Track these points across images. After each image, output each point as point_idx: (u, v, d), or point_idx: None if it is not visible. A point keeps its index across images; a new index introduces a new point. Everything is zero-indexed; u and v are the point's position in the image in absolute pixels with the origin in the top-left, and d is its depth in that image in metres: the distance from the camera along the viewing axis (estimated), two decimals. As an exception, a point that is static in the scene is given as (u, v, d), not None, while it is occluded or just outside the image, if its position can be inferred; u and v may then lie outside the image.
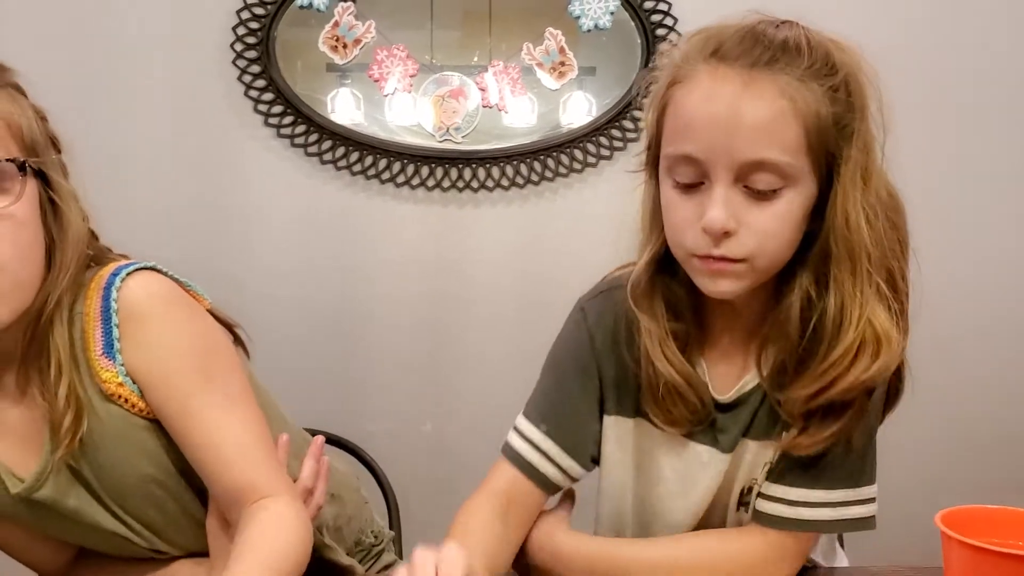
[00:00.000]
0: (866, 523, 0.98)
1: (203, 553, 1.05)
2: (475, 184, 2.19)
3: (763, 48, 0.86)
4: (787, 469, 0.98)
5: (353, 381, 2.22)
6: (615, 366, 1.02)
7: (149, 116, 2.14)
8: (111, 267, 0.96)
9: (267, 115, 2.15)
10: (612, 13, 2.13)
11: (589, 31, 2.14)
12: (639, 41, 2.16)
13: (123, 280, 0.94)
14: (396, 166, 2.18)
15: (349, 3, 2.11)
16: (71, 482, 0.97)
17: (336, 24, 2.11)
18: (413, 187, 2.19)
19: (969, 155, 2.20)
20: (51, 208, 0.93)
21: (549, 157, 2.19)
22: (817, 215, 0.90)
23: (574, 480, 1.06)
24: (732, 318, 0.99)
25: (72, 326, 0.94)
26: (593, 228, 2.17)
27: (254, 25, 2.12)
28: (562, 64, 2.15)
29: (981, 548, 0.79)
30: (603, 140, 2.18)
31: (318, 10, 2.11)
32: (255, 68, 2.13)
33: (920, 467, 2.13)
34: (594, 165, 2.19)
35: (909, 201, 0.96)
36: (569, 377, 1.05)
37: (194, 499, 1.03)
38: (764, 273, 0.91)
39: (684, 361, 0.97)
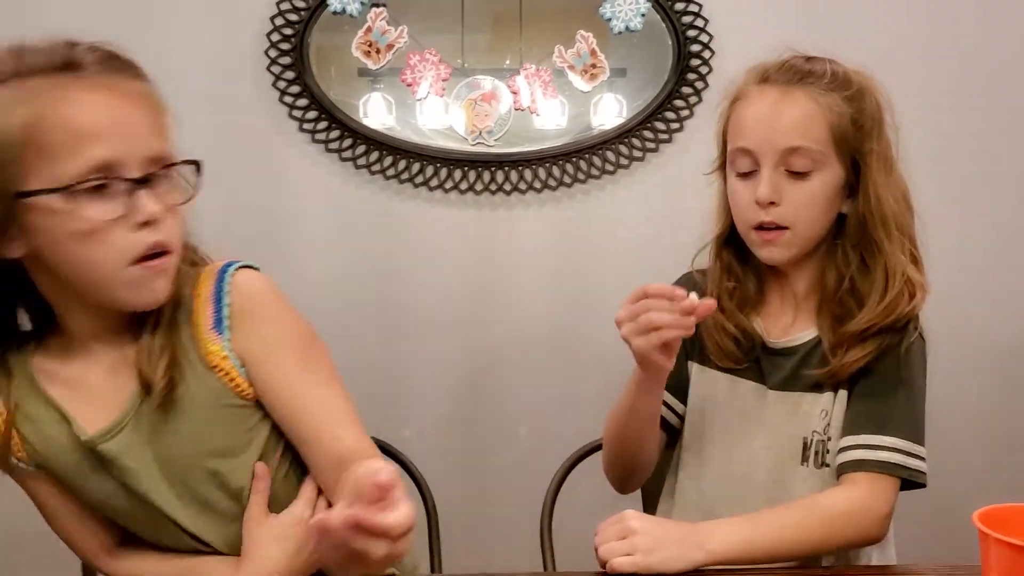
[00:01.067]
0: (921, 477, 1.17)
1: (235, 555, 1.08)
2: (507, 187, 2.21)
3: (796, 71, 1.21)
4: (857, 419, 1.19)
5: (390, 384, 2.23)
6: None
7: (183, 124, 2.16)
8: (220, 263, 1.11)
9: (302, 121, 2.17)
10: (643, 15, 2.13)
11: (620, 33, 2.14)
12: (670, 43, 2.16)
13: (235, 272, 1.09)
14: (429, 170, 2.20)
15: (382, 9, 2.13)
16: (140, 442, 1.02)
17: (369, 29, 2.13)
18: (446, 190, 2.21)
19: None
20: None
21: (581, 159, 2.19)
22: (849, 200, 1.21)
23: (679, 416, 1.34)
24: (784, 285, 1.29)
25: (179, 306, 1.05)
26: (625, 229, 2.18)
27: (288, 32, 2.15)
28: (593, 66, 2.16)
29: (1020, 547, 0.79)
30: (635, 141, 2.19)
31: (351, 16, 2.13)
32: (289, 74, 2.16)
33: (958, 465, 2.11)
34: (626, 166, 2.20)
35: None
36: None
37: (239, 503, 1.07)
38: (806, 241, 1.22)
39: (737, 311, 1.27)
